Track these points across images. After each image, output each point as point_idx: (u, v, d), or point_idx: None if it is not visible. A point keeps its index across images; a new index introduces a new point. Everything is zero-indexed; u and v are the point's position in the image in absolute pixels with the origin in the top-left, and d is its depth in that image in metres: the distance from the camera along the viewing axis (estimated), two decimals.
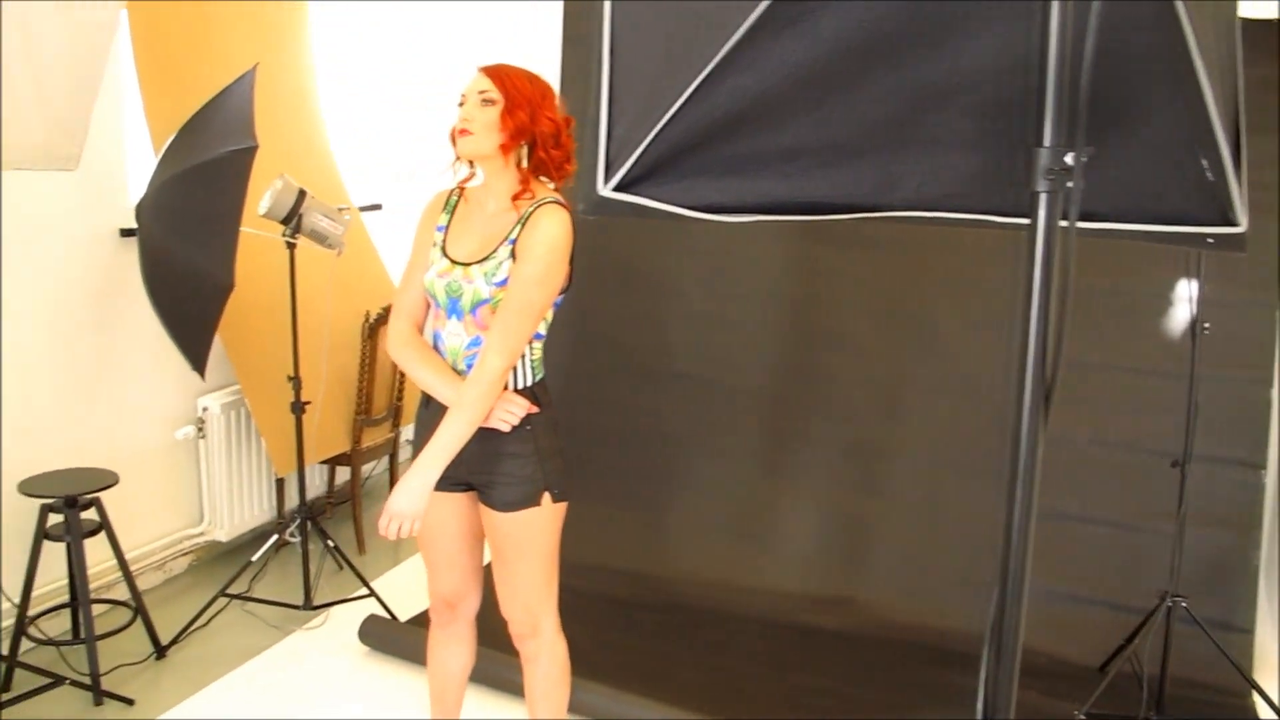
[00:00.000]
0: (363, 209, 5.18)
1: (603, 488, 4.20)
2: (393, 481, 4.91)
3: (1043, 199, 1.11)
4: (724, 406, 4.28)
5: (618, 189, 1.18)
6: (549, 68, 4.03)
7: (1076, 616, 3.81)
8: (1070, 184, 1.08)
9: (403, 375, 4.73)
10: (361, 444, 4.54)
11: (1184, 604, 3.32)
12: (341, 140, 5.25)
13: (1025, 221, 1.19)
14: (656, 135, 1.15)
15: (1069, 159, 1.07)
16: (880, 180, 1.21)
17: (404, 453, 5.18)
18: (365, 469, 4.74)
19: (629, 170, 1.17)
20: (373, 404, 4.53)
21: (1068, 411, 3.86)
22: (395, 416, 4.76)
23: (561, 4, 4.61)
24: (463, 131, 2.39)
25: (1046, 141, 1.07)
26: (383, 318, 4.50)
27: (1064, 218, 1.11)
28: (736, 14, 1.09)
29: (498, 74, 2.41)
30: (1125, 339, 3.84)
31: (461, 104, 2.43)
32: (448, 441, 2.36)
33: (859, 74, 1.14)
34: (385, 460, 4.96)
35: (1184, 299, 3.76)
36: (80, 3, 2.82)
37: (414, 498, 2.35)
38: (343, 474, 4.89)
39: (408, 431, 5.17)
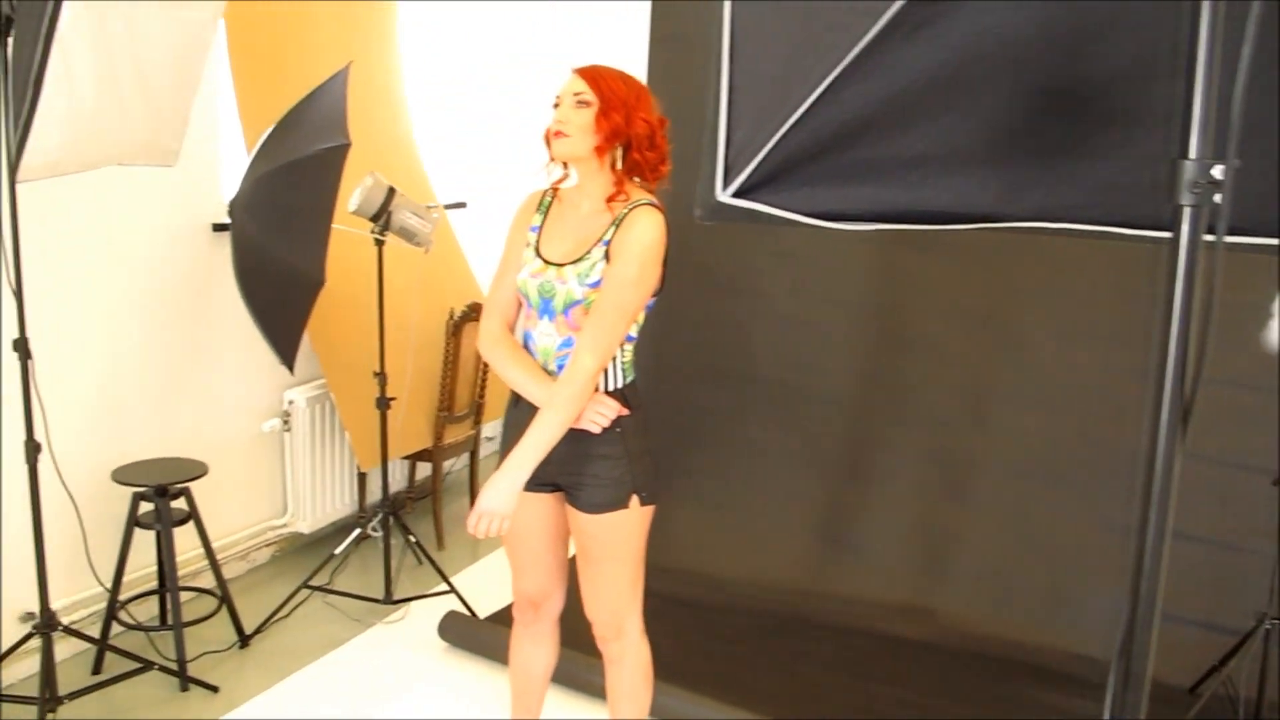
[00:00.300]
0: (448, 207, 5.22)
1: (681, 489, 4.19)
2: (473, 478, 4.94)
3: (1187, 213, 1.06)
4: (806, 411, 4.23)
5: (737, 195, 1.16)
6: (635, 69, 4.02)
7: (1167, 635, 3.66)
8: (1218, 198, 1.03)
9: (485, 372, 4.76)
10: (443, 440, 4.57)
11: None
12: (428, 138, 5.30)
13: (1156, 235, 1.15)
14: (779, 141, 1.13)
15: (1217, 172, 1.03)
16: (1004, 189, 1.18)
17: (484, 449, 5.21)
18: (445, 465, 4.77)
19: (749, 176, 1.15)
20: (455, 401, 4.56)
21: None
22: (477, 414, 4.79)
23: (649, 3, 4.60)
24: (558, 134, 2.39)
25: (1193, 153, 1.03)
26: (467, 315, 4.53)
27: (1210, 232, 1.06)
28: (865, 17, 1.07)
29: (592, 75, 2.40)
30: (1222, 351, 3.70)
31: (556, 105, 2.43)
32: (538, 441, 2.36)
33: (988, 79, 1.11)
34: (465, 457, 4.98)
35: None
36: (184, 1, 2.87)
37: (504, 497, 2.35)
38: (423, 469, 4.94)
39: (489, 429, 5.21)
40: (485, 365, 4.76)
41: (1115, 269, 3.83)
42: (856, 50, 1.06)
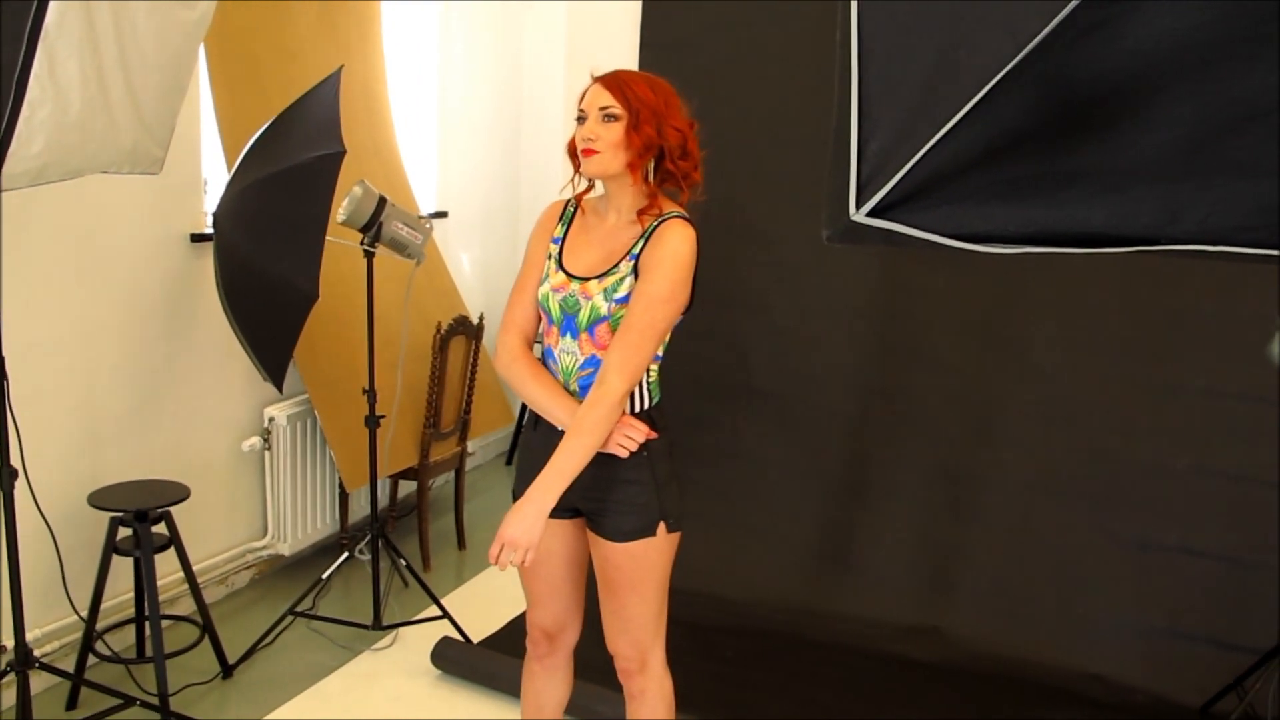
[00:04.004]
0: (429, 217, 5.07)
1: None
2: (459, 496, 4.78)
3: None
4: (807, 426, 4.14)
5: (872, 214, 1.04)
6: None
7: (1177, 653, 3.66)
8: None
9: (471, 388, 4.61)
10: (430, 458, 4.42)
11: None
12: (409, 145, 5.15)
13: None
14: (923, 156, 1.01)
15: None
16: (1162, 210, 1.07)
17: (470, 465, 5.07)
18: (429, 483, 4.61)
19: (887, 194, 1.03)
20: (441, 417, 4.41)
21: (1166, 439, 3.72)
22: (463, 430, 4.64)
23: (639, 6, 4.49)
24: (587, 151, 2.26)
25: None
26: (454, 329, 4.38)
27: None
28: (1028, 19, 0.96)
29: (618, 85, 2.26)
30: (1230, 364, 3.67)
31: (580, 118, 2.30)
32: (565, 466, 2.23)
33: (1160, 88, 1.00)
34: (448, 474, 4.83)
35: None
36: (175, 2, 2.71)
37: (528, 525, 2.21)
38: (405, 487, 4.78)
39: (473, 445, 5.07)
40: (472, 381, 4.61)
41: (1121, 280, 3.78)
42: (1021, 55, 0.95)
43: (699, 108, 2.37)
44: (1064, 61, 0.97)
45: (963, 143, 1.01)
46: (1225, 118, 1.02)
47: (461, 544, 4.77)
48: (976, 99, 0.98)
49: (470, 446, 4.89)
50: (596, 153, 2.25)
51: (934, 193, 1.04)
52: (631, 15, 4.56)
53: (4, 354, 2.75)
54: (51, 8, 2.34)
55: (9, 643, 3.18)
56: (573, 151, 2.32)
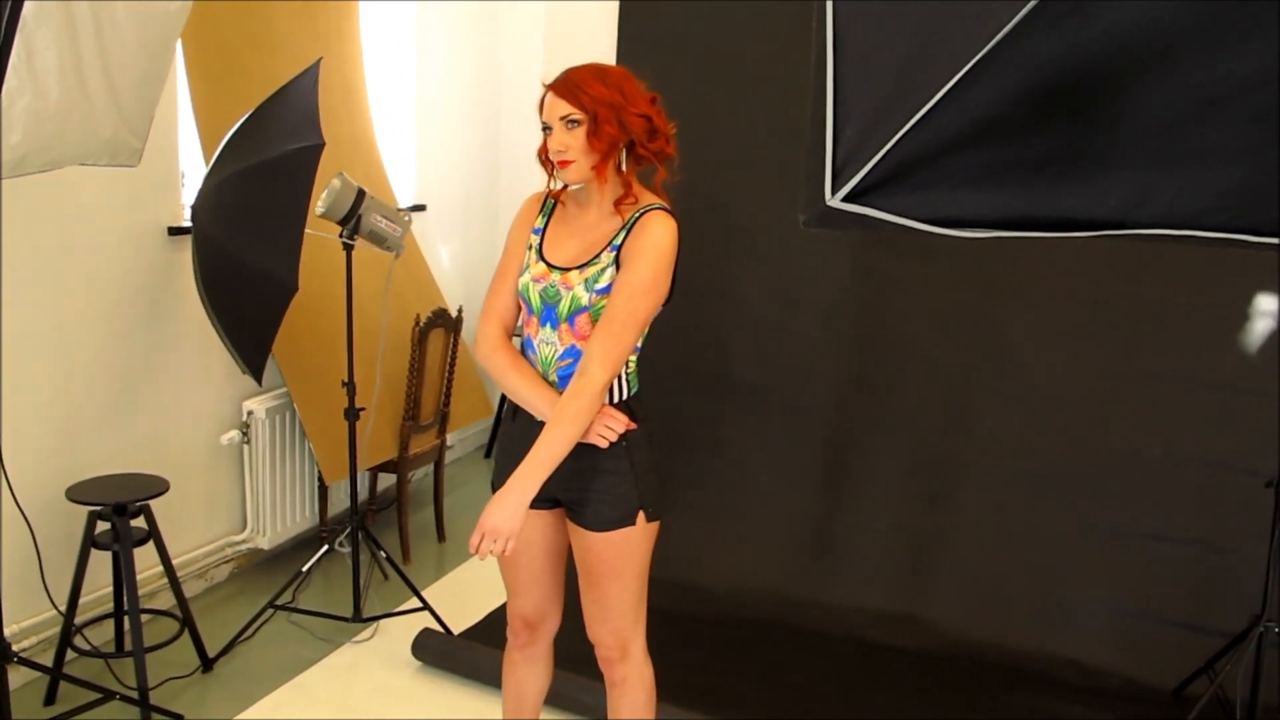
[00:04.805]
0: (408, 209, 5.07)
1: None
2: (438, 489, 4.79)
3: None
4: (786, 416, 4.16)
5: (847, 199, 1.06)
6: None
7: (1150, 637, 3.71)
8: None
9: (451, 381, 4.62)
10: (409, 450, 4.42)
11: (1276, 629, 3.20)
12: (387, 139, 5.15)
13: None
14: (897, 142, 1.03)
15: None
16: (1129, 195, 1.10)
17: (449, 457, 5.07)
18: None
19: (862, 179, 1.06)
20: (421, 410, 4.41)
21: (1140, 426, 3.76)
22: (442, 423, 4.65)
23: (617, 1, 4.50)
24: (562, 163, 2.27)
25: None
26: (432, 322, 4.38)
27: None
28: (1001, 6, 0.98)
29: (570, 91, 2.25)
30: (1202, 352, 3.72)
31: (546, 129, 2.30)
32: (546, 457, 2.24)
33: (1128, 76, 1.03)
34: (427, 467, 4.84)
35: (1265, 312, 3.65)
36: None
37: (510, 515, 2.23)
38: (384, 480, 4.78)
39: (452, 438, 5.07)
40: (450, 374, 4.62)
41: (1094, 270, 3.82)
42: (993, 43, 0.97)
43: (677, 99, 2.38)
44: (1034, 50, 1.00)
45: (935, 129, 1.03)
46: (1190, 105, 1.05)
47: (441, 537, 4.77)
48: (949, 86, 1.00)
49: (449, 440, 4.89)
50: (572, 162, 2.26)
51: (907, 178, 1.06)
52: (610, 8, 4.56)
53: None
54: None
55: None
56: (544, 159, 2.34)
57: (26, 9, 2.33)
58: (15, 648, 3.05)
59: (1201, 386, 3.71)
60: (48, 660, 3.33)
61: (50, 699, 3.34)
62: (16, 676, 3.28)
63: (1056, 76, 1.01)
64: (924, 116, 1.02)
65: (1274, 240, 1.12)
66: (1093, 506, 3.80)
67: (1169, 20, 0.98)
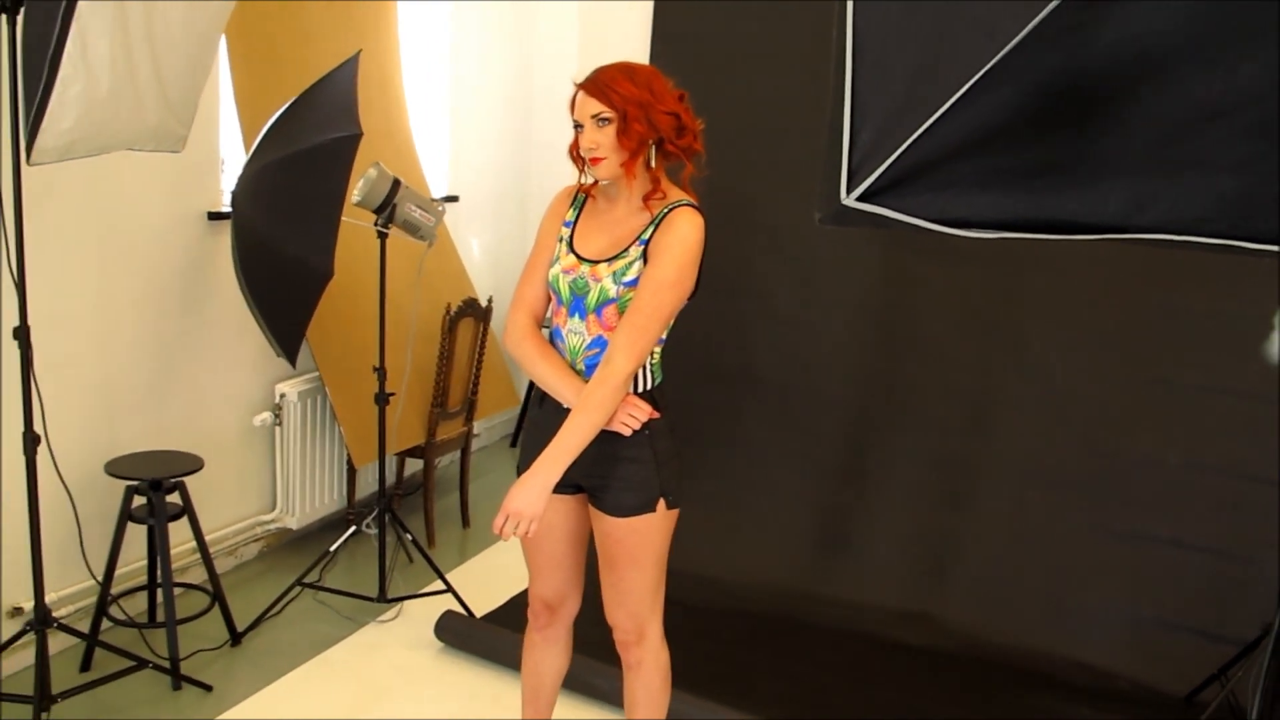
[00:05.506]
0: (441, 200, 5.15)
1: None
2: (464, 475, 4.88)
3: None
4: (807, 413, 4.22)
5: (861, 199, 1.13)
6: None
7: (1163, 643, 3.73)
8: None
9: (479, 369, 4.70)
10: (436, 437, 4.51)
11: None
12: (421, 130, 5.23)
13: None
14: (908, 146, 1.10)
15: None
16: (1129, 201, 1.16)
17: (475, 445, 5.15)
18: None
19: (875, 180, 1.12)
20: (449, 397, 4.50)
21: (1158, 433, 3.79)
22: (469, 411, 4.73)
23: (651, 2, 4.57)
24: (593, 159, 2.34)
25: None
26: (463, 311, 4.46)
27: None
28: (1009, 19, 1.04)
29: (600, 89, 2.32)
30: (1223, 361, 3.74)
31: (578, 127, 2.37)
32: (570, 442, 2.31)
33: (1128, 89, 1.08)
34: (454, 454, 4.92)
35: None
36: None
37: (533, 498, 2.30)
38: (412, 465, 4.87)
39: (479, 426, 5.15)
40: (479, 363, 4.70)
41: (1118, 275, 3.85)
42: (1003, 53, 1.03)
43: (707, 98, 2.44)
44: (1039, 62, 1.05)
45: (945, 135, 1.09)
46: (1188, 117, 1.10)
47: (466, 522, 4.86)
48: (957, 95, 1.06)
49: (476, 428, 4.97)
50: (603, 159, 2.33)
51: (918, 180, 1.12)
52: (644, 7, 4.63)
53: (29, 324, 2.85)
54: None
55: (27, 604, 3.29)
56: (575, 155, 2.41)
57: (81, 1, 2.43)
58: (54, 614, 3.16)
59: (1222, 394, 3.73)
60: (84, 628, 3.44)
61: (86, 666, 3.44)
62: (55, 642, 3.38)
63: (1058, 88, 1.07)
64: (933, 124, 1.08)
65: (1273, 247, 1.17)
66: (1109, 511, 3.83)
67: (1168, 36, 1.04)
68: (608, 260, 2.39)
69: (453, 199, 5.40)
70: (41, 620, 2.99)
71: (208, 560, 3.66)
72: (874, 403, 4.17)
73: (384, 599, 3.91)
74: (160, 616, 3.57)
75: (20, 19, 2.56)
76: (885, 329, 4.17)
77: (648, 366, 2.45)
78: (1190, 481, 3.75)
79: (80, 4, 2.43)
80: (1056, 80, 1.07)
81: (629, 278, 2.36)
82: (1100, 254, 3.78)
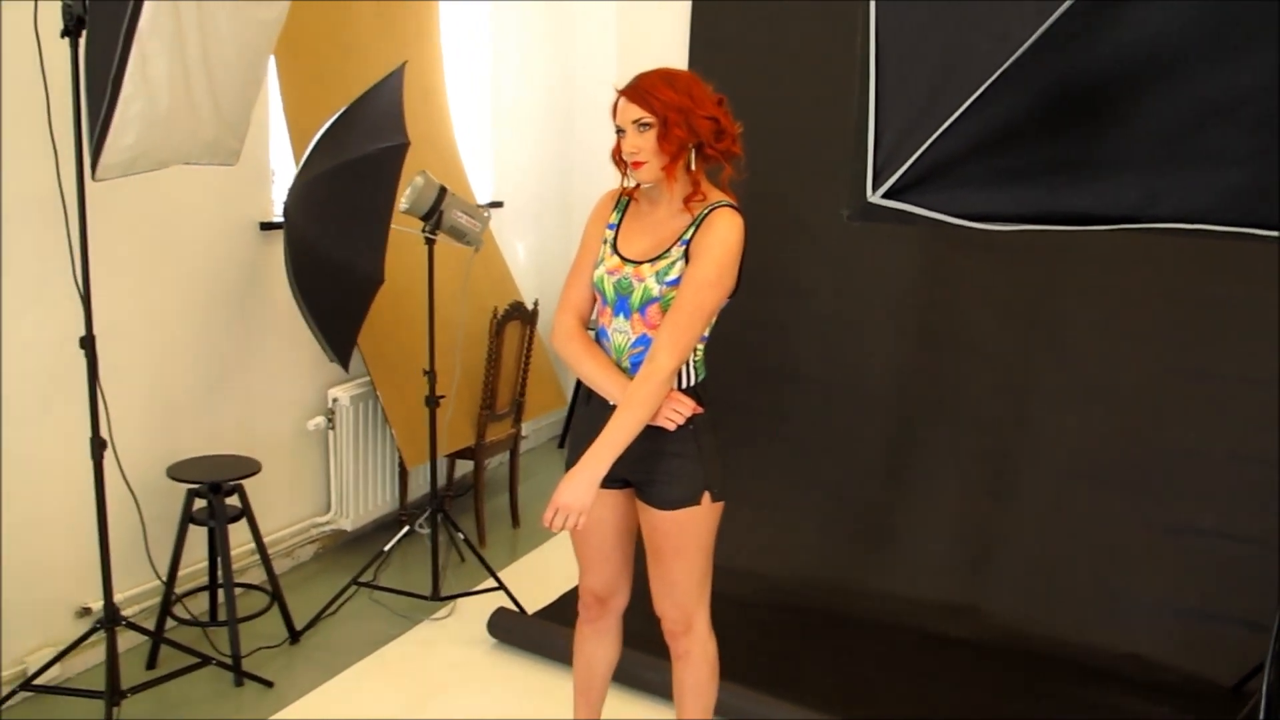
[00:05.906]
0: (486, 206, 5.25)
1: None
2: (513, 476, 4.97)
3: None
4: (848, 409, 4.26)
5: (887, 196, 1.19)
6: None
7: (1209, 634, 3.73)
8: None
9: (526, 372, 4.79)
10: (485, 438, 4.60)
11: None
12: (465, 137, 5.33)
13: None
14: (929, 145, 1.16)
15: None
16: (1143, 194, 1.21)
17: (523, 447, 5.24)
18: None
19: (899, 178, 1.18)
20: (497, 399, 4.59)
21: (1201, 423, 3.80)
22: (517, 412, 4.82)
23: (689, 4, 4.63)
24: (635, 164, 2.42)
25: None
26: (510, 314, 4.55)
27: None
28: (1020, 24, 1.10)
29: (641, 96, 2.39)
30: (1264, 351, 3.74)
31: (620, 132, 2.45)
32: (616, 437, 2.38)
33: (1139, 87, 1.14)
34: (504, 455, 5.02)
35: None
36: (253, 2, 2.90)
37: (582, 491, 2.37)
38: (462, 467, 4.96)
39: (526, 428, 5.24)
40: (526, 365, 4.78)
41: (1157, 267, 3.86)
42: (1012, 59, 1.09)
43: (746, 99, 2.50)
44: (1053, 63, 1.11)
45: (964, 134, 1.15)
46: (1195, 114, 1.15)
47: (515, 522, 4.95)
48: (975, 96, 1.12)
49: (524, 429, 5.06)
50: (644, 163, 2.41)
51: (940, 177, 1.18)
52: (681, 11, 4.70)
53: (94, 333, 2.96)
54: (145, 8, 2.53)
55: (94, 604, 3.42)
56: (618, 160, 2.49)
57: (142, 20, 2.53)
58: (122, 613, 3.28)
59: (1265, 385, 3.73)
60: (150, 627, 3.55)
61: (151, 663, 3.56)
62: (123, 641, 3.51)
63: (1071, 88, 1.12)
64: (953, 124, 1.14)
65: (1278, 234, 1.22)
66: (1154, 502, 3.84)
67: (1175, 37, 1.09)
68: (650, 260, 2.46)
69: (497, 205, 5.50)
70: (111, 619, 3.10)
71: (266, 561, 3.77)
72: (915, 397, 4.21)
73: (437, 597, 4.01)
74: (222, 615, 3.69)
75: (83, 42, 2.69)
76: (925, 325, 4.20)
77: (691, 363, 2.52)
78: (1233, 472, 3.75)
79: (140, 27, 2.54)
80: (1068, 81, 1.12)
81: (671, 277, 2.42)
82: (1139, 247, 3.80)
